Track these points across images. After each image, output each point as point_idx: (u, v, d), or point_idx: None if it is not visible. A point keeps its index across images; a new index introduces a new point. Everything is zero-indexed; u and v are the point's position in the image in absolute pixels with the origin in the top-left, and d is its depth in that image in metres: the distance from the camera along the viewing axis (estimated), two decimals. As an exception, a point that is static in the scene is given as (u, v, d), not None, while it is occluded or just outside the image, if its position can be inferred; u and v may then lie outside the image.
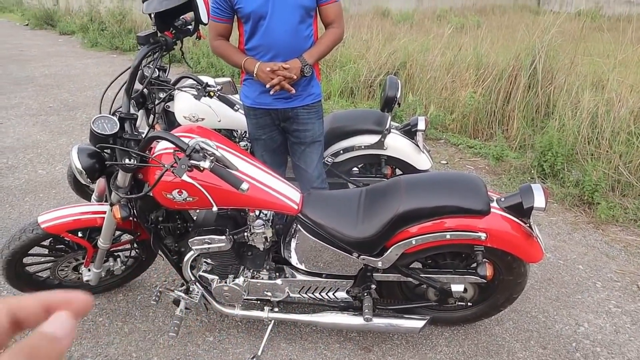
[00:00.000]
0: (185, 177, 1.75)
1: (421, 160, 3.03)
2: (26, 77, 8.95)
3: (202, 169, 1.63)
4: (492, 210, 2.01)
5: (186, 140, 1.86)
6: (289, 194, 2.07)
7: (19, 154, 5.05)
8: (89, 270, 2.50)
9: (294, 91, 2.37)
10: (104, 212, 2.30)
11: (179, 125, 2.97)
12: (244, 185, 1.68)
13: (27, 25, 18.77)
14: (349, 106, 6.26)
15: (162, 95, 2.81)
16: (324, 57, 2.52)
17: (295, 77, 2.32)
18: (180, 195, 1.91)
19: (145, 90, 2.75)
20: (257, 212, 2.12)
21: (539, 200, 1.96)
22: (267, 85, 2.35)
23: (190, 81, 2.78)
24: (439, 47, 6.54)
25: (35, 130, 5.82)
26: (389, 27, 12.98)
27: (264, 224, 2.10)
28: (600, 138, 4.33)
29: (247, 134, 3.21)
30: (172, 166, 1.71)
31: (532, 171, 4.40)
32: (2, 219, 3.75)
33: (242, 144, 3.15)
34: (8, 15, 24.94)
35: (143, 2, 2.34)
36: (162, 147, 1.97)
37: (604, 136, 4.31)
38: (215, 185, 1.87)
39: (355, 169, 3.26)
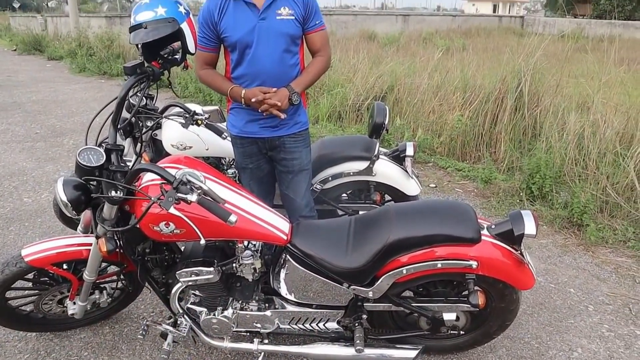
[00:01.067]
0: (172, 210, 1.72)
1: (410, 186, 3.02)
2: (13, 102, 8.91)
3: (189, 202, 1.61)
4: (482, 237, 2.00)
5: (173, 172, 1.84)
6: (277, 224, 2.04)
7: (4, 182, 4.98)
8: (74, 303, 2.45)
9: (283, 116, 2.35)
10: (90, 244, 2.26)
11: (167, 153, 2.95)
12: (232, 218, 1.66)
13: (15, 50, 18.78)
14: (337, 130, 6.28)
15: (149, 123, 2.79)
16: (311, 85, 2.52)
17: (281, 104, 2.31)
18: (167, 227, 1.88)
19: (132, 118, 2.73)
20: (245, 243, 2.09)
21: (530, 227, 1.96)
22: (259, 110, 2.34)
23: (177, 109, 2.77)
24: (427, 70, 6.60)
25: (21, 157, 5.76)
26: (376, 50, 13.13)
27: (252, 255, 2.07)
28: (587, 159, 4.37)
29: (235, 162, 3.20)
30: (159, 199, 1.69)
31: (521, 193, 4.41)
32: (-15, 249, 3.68)
33: (230, 171, 3.12)
34: (-4, 41, 24.93)
35: (130, 33, 2.34)
36: (149, 178, 1.94)
37: (590, 157, 4.34)
38: (203, 217, 1.85)
39: (344, 195, 3.25)
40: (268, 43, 2.31)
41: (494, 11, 45.58)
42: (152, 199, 1.71)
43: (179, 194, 1.62)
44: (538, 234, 3.87)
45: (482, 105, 5.43)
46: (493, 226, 2.06)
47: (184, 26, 2.42)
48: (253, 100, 2.29)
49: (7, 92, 9.99)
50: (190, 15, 2.50)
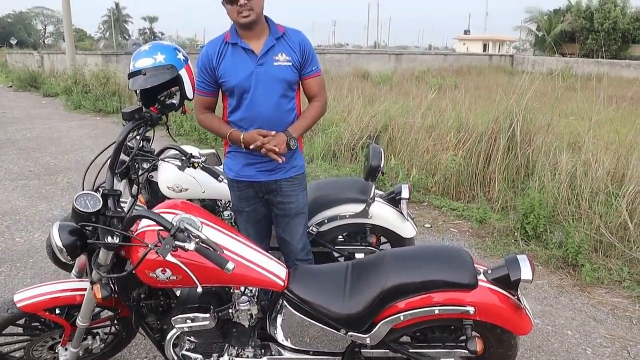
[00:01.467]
0: (169, 258, 1.72)
1: (406, 228, 3.03)
2: (7, 139, 8.92)
3: (187, 250, 1.61)
4: (479, 283, 2.00)
5: (170, 218, 1.84)
6: (274, 269, 2.04)
7: (-5, 221, 4.95)
8: (66, 349, 2.40)
9: (281, 160, 2.36)
10: (84, 289, 2.23)
11: (163, 195, 2.95)
12: (230, 265, 1.66)
13: (10, 86, 18.89)
14: (332, 169, 6.32)
15: (145, 165, 2.80)
16: (308, 130, 2.55)
17: (279, 149, 2.33)
18: (163, 274, 1.87)
19: (127, 159, 2.73)
20: (242, 289, 2.07)
21: (526, 272, 1.97)
22: (262, 152, 2.34)
23: (174, 152, 2.78)
24: (421, 110, 6.70)
25: (14, 195, 5.73)
26: (369, 88, 13.35)
27: (249, 301, 2.06)
28: (580, 199, 4.40)
29: (231, 205, 3.20)
30: (155, 246, 1.69)
31: (515, 233, 4.42)
32: (-25, 291, 3.63)
33: (226, 213, 3.12)
34: (-8, 77, 25.09)
35: (129, 79, 2.38)
36: (145, 224, 1.94)
37: (583, 197, 4.38)
38: (200, 263, 1.84)
39: (340, 237, 3.25)
40: (265, 88, 2.35)
41: (484, 50, 46.52)
42: (150, 246, 1.71)
43: (176, 242, 1.62)
44: (533, 275, 3.89)
45: (476, 145, 5.49)
46: (489, 271, 2.06)
47: (182, 72, 2.46)
48: (252, 146, 2.32)
49: (2, 128, 10.01)
50: (189, 62, 2.54)
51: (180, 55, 2.48)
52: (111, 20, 76.17)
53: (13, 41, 52.47)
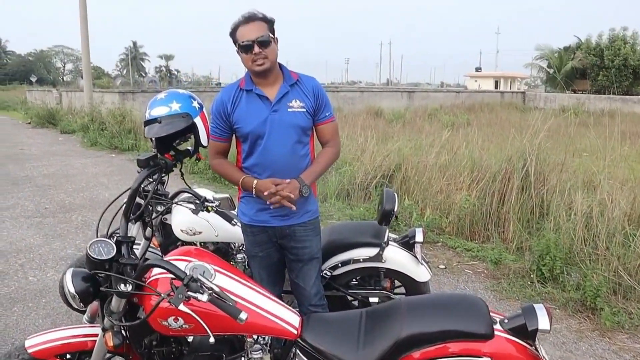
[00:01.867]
0: (181, 307, 1.71)
1: (420, 272, 3.00)
2: (24, 176, 9.07)
3: (199, 300, 1.60)
4: (495, 332, 1.95)
5: (183, 265, 1.84)
6: (287, 317, 2.01)
7: (10, 259, 4.98)
8: (76, 395, 2.37)
9: (294, 208, 2.38)
10: (95, 335, 2.21)
11: (176, 238, 2.96)
12: (243, 315, 1.64)
13: (29, 123, 19.31)
14: (345, 208, 6.31)
15: (159, 208, 2.80)
16: (321, 176, 2.56)
17: (293, 196, 2.34)
18: (176, 322, 1.85)
19: (142, 202, 2.75)
20: (255, 337, 2.05)
21: (543, 322, 1.92)
22: (268, 202, 2.36)
23: (188, 195, 2.80)
24: (434, 149, 6.71)
25: (29, 233, 5.78)
26: (383, 126, 13.45)
27: (262, 349, 2.03)
28: (597, 239, 4.33)
29: (245, 249, 3.19)
30: (168, 295, 1.68)
31: (532, 275, 4.35)
32: (-13, 331, 3.62)
33: (240, 256, 3.12)
34: (12, 114, 25.76)
35: (145, 127, 2.41)
36: (158, 271, 1.94)
37: (600, 237, 4.31)
38: (212, 311, 1.82)
39: (354, 281, 3.22)
40: (280, 134, 2.37)
41: (496, 87, 46.83)
42: (162, 295, 1.70)
43: (189, 292, 1.61)
44: (551, 325, 3.80)
45: (489, 185, 5.47)
46: (506, 320, 2.02)
47: (197, 120, 2.49)
48: (265, 193, 2.33)
49: (19, 165, 10.19)
50: (204, 109, 2.58)
51: (195, 104, 2.52)
52: (128, 58, 78.19)
53: (33, 79, 54.01)
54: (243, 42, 2.31)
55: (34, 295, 4.19)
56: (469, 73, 58.05)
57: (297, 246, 2.55)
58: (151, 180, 2.40)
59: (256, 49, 2.29)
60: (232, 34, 2.37)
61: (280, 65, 2.46)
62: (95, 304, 2.53)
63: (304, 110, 2.41)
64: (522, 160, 5.33)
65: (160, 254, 3.10)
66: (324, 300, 2.71)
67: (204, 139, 2.53)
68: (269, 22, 2.37)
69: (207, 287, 1.61)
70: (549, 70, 40.11)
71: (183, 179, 2.69)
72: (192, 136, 2.56)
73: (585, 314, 3.86)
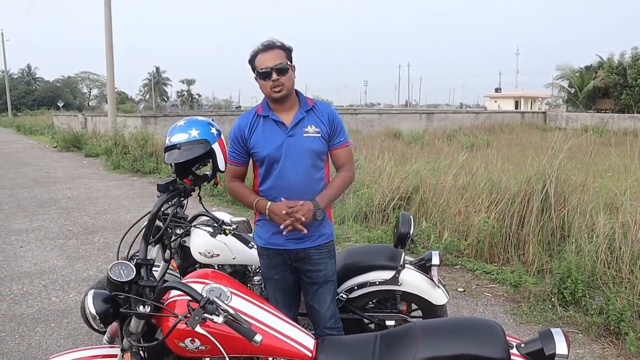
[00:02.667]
0: (198, 329, 1.74)
1: (437, 295, 2.99)
2: (50, 199, 9.27)
3: (215, 322, 1.63)
4: (512, 357, 1.93)
5: (200, 287, 1.88)
6: (302, 340, 2.02)
7: (34, 280, 5.08)
8: (95, 416, 2.40)
9: (306, 231, 2.41)
10: (114, 356, 2.25)
11: (194, 260, 3.00)
12: (258, 337, 1.67)
13: (55, 147, 19.75)
14: (363, 231, 6.31)
15: (178, 231, 2.87)
16: (335, 200, 2.58)
17: (305, 219, 2.37)
18: (192, 344, 1.88)
19: (162, 225, 2.81)
20: (270, 359, 2.06)
21: (561, 347, 1.89)
22: (281, 227, 2.40)
23: (206, 218, 2.85)
24: (453, 171, 6.69)
25: (53, 254, 5.90)
26: (401, 148, 13.46)
27: (276, 372, 2.04)
28: (620, 262, 4.25)
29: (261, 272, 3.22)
30: (185, 317, 1.72)
31: (553, 299, 4.28)
32: (10, 351, 3.69)
33: (257, 278, 3.14)
34: (39, 138, 26.40)
35: (165, 152, 2.48)
36: (176, 293, 1.97)
37: (623, 260, 4.23)
38: (228, 333, 1.85)
39: (370, 304, 3.22)
40: (295, 159, 2.42)
41: (516, 107, 46.55)
42: (179, 317, 1.73)
43: (205, 314, 1.64)
44: (574, 343, 3.73)
45: (509, 207, 5.42)
46: (522, 345, 2.00)
47: (215, 146, 2.56)
48: (283, 212, 2.37)
49: (45, 188, 10.42)
50: (222, 136, 2.65)
51: (213, 130, 2.60)
52: (151, 83, 79.82)
53: (60, 104, 55.50)
54: (262, 69, 2.38)
55: (56, 316, 4.26)
56: (488, 94, 57.89)
57: (312, 269, 2.57)
58: (170, 204, 2.46)
59: (274, 76, 2.36)
60: (251, 61, 2.45)
61: (296, 91, 2.53)
62: (115, 325, 2.58)
63: (319, 135, 2.47)
64: (542, 181, 5.28)
65: (179, 276, 3.15)
66: (339, 323, 2.71)
67: (221, 164, 2.59)
68: (287, 50, 2.45)
69: (222, 310, 1.64)
70: (570, 89, 39.75)
71: (201, 202, 2.75)
72: (211, 161, 2.62)
73: (609, 339, 3.77)
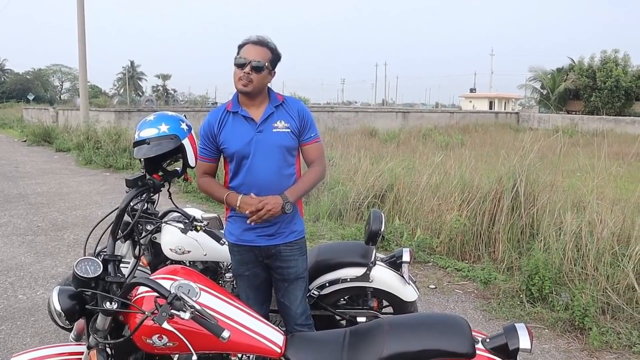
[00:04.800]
0: (165, 325, 1.73)
1: (407, 292, 3.01)
2: (18, 194, 9.06)
3: (182, 318, 1.62)
4: (477, 352, 1.97)
5: (168, 284, 1.86)
6: (271, 336, 2.03)
7: (0, 277, 4.96)
8: (61, 415, 2.36)
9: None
10: (81, 353, 2.22)
11: (165, 256, 2.98)
12: (225, 334, 1.67)
13: (25, 141, 19.31)
14: (338, 228, 6.33)
15: (149, 227, 2.83)
16: (306, 194, 2.58)
17: (274, 212, 2.36)
18: (160, 340, 1.86)
19: (131, 220, 2.78)
20: (239, 355, 2.06)
21: (524, 341, 1.94)
22: (247, 221, 2.39)
23: (177, 214, 2.83)
24: (427, 170, 6.75)
25: (20, 251, 5.77)
26: (377, 146, 13.52)
27: (245, 368, 2.04)
28: (586, 259, 4.36)
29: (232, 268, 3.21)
30: (152, 313, 1.70)
31: (521, 295, 4.37)
32: (-26, 350, 3.61)
33: (228, 275, 3.13)
34: (8, 132, 25.77)
35: (134, 147, 2.46)
36: (144, 289, 1.96)
37: (589, 257, 4.34)
38: (196, 329, 1.84)
39: (342, 300, 3.23)
40: (265, 154, 2.42)
41: (490, 108, 47.24)
42: (146, 313, 1.72)
43: (172, 310, 1.63)
44: (540, 338, 3.82)
45: (480, 205, 5.50)
46: (488, 340, 2.04)
47: (185, 142, 2.54)
48: (247, 212, 2.36)
49: (13, 182, 10.19)
50: (192, 131, 2.63)
51: (183, 126, 2.58)
52: (126, 78, 78.57)
53: (30, 97, 54.15)
54: (240, 57, 2.38)
55: (23, 313, 4.18)
56: (463, 94, 58.61)
57: (283, 266, 2.57)
58: (139, 200, 2.43)
59: (247, 69, 2.35)
60: (240, 47, 2.44)
61: (268, 88, 2.52)
62: (81, 322, 2.55)
63: (289, 130, 2.47)
64: (512, 180, 5.37)
65: (149, 272, 3.12)
66: (311, 320, 2.72)
67: (191, 160, 2.57)
68: (274, 55, 2.46)
69: (189, 305, 1.63)
70: (542, 91, 40.51)
71: (171, 199, 2.73)
72: (181, 157, 2.60)
73: (574, 334, 3.87)
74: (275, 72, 2.50)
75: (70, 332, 2.93)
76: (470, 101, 52.25)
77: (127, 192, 2.31)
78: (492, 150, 11.30)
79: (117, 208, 2.20)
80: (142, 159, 2.45)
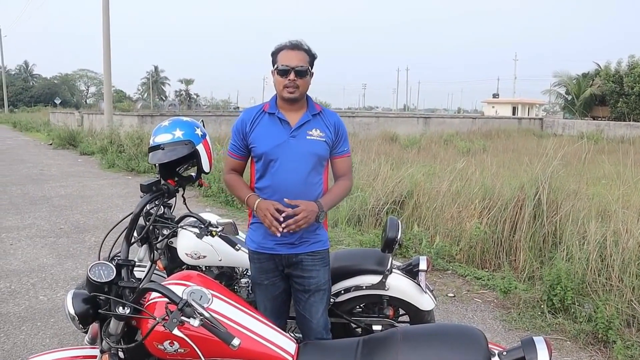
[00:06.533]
0: (176, 332, 1.72)
1: (424, 301, 2.97)
2: (42, 196, 9.22)
3: (192, 325, 1.61)
4: (494, 365, 1.92)
5: (181, 289, 1.86)
6: (283, 344, 2.00)
7: (22, 278, 5.05)
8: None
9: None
10: (94, 357, 2.23)
11: (181, 261, 2.98)
12: (236, 341, 1.65)
13: (50, 144, 19.67)
14: (356, 234, 6.29)
15: (165, 232, 2.85)
16: (334, 207, 2.56)
17: (308, 221, 2.33)
18: (171, 346, 1.86)
19: (150, 226, 2.79)
20: (250, 363, 2.04)
21: (543, 356, 1.87)
22: (281, 227, 2.33)
23: (192, 219, 2.83)
24: (449, 177, 6.67)
25: (43, 252, 5.86)
26: (397, 151, 13.45)
27: (257, 376, 2.01)
28: (611, 270, 4.25)
29: (249, 272, 3.20)
30: (163, 319, 1.70)
31: (542, 305, 4.27)
32: (-6, 350, 3.66)
33: (244, 280, 3.12)
34: (35, 135, 26.29)
35: (149, 153, 2.47)
36: (156, 295, 1.95)
37: (614, 268, 4.23)
38: (207, 336, 1.82)
39: (357, 308, 3.20)
40: (294, 160, 2.39)
41: (513, 113, 46.70)
42: (157, 319, 1.72)
43: (182, 317, 1.62)
44: (561, 350, 3.73)
45: (501, 212, 5.41)
46: (504, 353, 1.98)
47: (200, 147, 2.54)
48: (262, 213, 2.32)
49: (38, 185, 10.37)
50: (207, 137, 2.63)
51: (198, 131, 2.58)
52: (150, 82, 79.70)
53: (57, 101, 55.35)
54: (282, 65, 2.35)
55: (43, 314, 4.23)
56: (486, 99, 58.01)
57: (304, 275, 2.50)
58: (154, 205, 2.44)
59: (292, 76, 2.33)
60: (274, 54, 2.42)
61: (306, 96, 2.50)
62: (96, 326, 2.56)
63: (324, 140, 2.44)
64: (535, 187, 5.28)
65: (165, 277, 3.13)
66: (330, 334, 2.64)
67: (206, 166, 2.58)
68: (311, 56, 2.44)
69: (199, 313, 1.62)
70: (567, 96, 39.87)
71: (185, 204, 2.73)
72: (196, 163, 2.61)
73: (597, 347, 3.77)
74: (313, 73, 2.48)
75: (86, 334, 2.96)
76: (493, 107, 51.68)
77: (141, 197, 2.32)
78: (515, 157, 11.16)
79: (131, 213, 2.20)
80: (156, 164, 2.45)
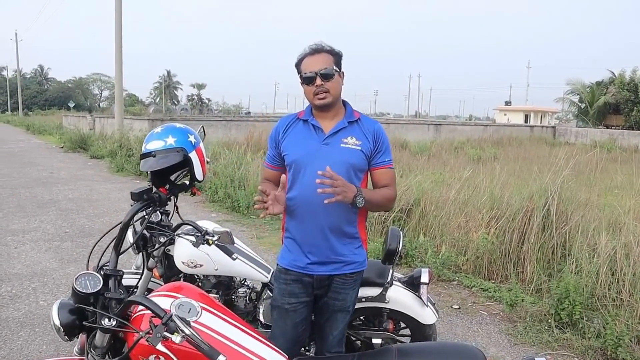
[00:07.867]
0: (159, 347, 1.65)
1: (425, 314, 2.88)
2: (50, 200, 9.24)
3: (175, 341, 1.55)
4: (494, 386, 1.84)
5: (169, 302, 1.80)
6: (272, 359, 1.93)
7: (24, 282, 5.03)
8: None
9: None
10: (82, 367, 2.18)
11: (178, 270, 2.93)
12: (221, 358, 1.58)
13: (62, 147, 19.82)
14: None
15: (162, 239, 2.79)
16: (373, 211, 2.43)
17: (344, 198, 2.07)
18: (157, 361, 1.79)
19: (146, 233, 2.74)
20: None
21: (546, 377, 1.80)
22: (255, 207, 2.16)
23: (189, 227, 2.78)
24: (457, 186, 6.56)
25: (46, 256, 5.84)
26: (407, 158, 13.36)
27: (245, 392, 1.94)
28: (621, 284, 4.13)
29: (247, 281, 3.13)
30: (147, 333, 1.64)
31: (549, 319, 4.16)
32: (-9, 356, 3.62)
33: (242, 290, 3.06)
34: (47, 138, 26.54)
35: (140, 160, 2.42)
36: (142, 307, 1.89)
37: (624, 282, 4.11)
38: (192, 351, 1.76)
39: (357, 320, 3.11)
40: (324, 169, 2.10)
41: (526, 121, 46.38)
42: (141, 333, 1.65)
43: (165, 333, 1.56)
44: (569, 368, 3.62)
45: (509, 223, 5.31)
46: (506, 373, 1.90)
47: (193, 155, 2.48)
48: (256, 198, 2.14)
49: (47, 188, 10.41)
50: (200, 145, 2.57)
51: (191, 138, 2.53)
52: (162, 87, 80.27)
53: (71, 104, 55.98)
54: (306, 73, 2.23)
55: (42, 320, 4.19)
56: (498, 107, 57.74)
57: (332, 296, 2.37)
58: (145, 215, 2.38)
59: (318, 81, 2.20)
60: (297, 65, 2.29)
61: (344, 101, 2.37)
62: (84, 337, 2.51)
63: (360, 148, 2.26)
64: (544, 198, 5.17)
65: (162, 285, 3.08)
66: (343, 348, 2.52)
67: (199, 174, 2.52)
68: (336, 55, 2.28)
69: (181, 330, 1.56)
70: (580, 104, 39.50)
71: (178, 212, 2.67)
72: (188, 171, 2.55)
73: (606, 364, 3.66)
74: (344, 72, 2.32)
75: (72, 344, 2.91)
76: (505, 114, 51.40)
77: (131, 205, 2.27)
78: (525, 165, 11.01)
79: (120, 222, 2.15)
80: (148, 172, 2.40)
